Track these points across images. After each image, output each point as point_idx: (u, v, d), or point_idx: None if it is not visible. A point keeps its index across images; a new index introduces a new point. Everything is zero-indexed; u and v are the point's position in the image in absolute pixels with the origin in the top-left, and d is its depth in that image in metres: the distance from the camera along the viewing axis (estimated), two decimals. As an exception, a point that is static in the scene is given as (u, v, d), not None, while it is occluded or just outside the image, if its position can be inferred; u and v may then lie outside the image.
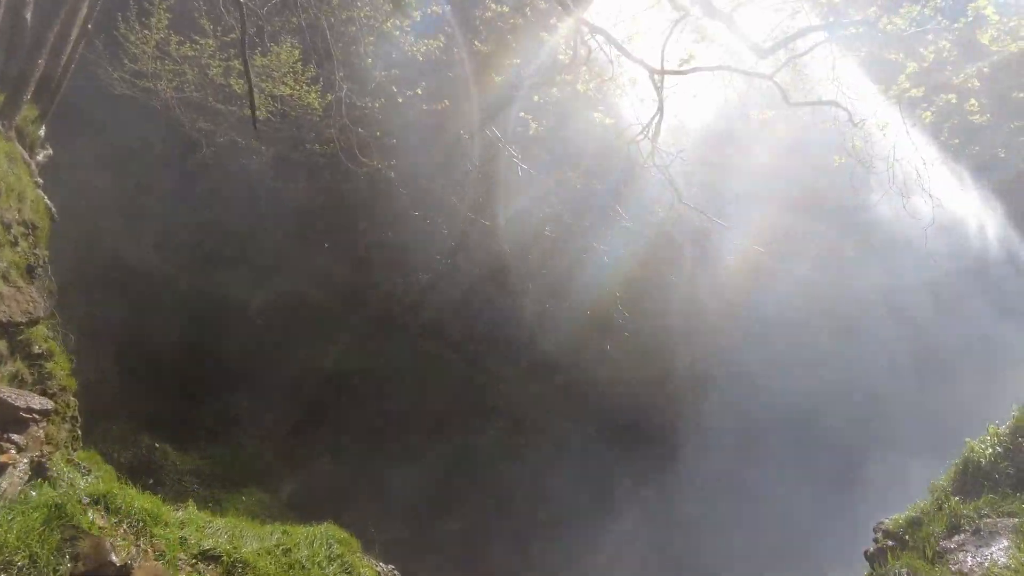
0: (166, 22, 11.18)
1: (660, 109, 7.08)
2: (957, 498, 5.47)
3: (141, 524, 4.54)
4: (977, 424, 6.40)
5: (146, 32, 11.13)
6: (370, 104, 11.76)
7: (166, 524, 4.78)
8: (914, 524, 6.06)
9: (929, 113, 11.62)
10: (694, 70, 7.27)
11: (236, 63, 12.24)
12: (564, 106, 9.50)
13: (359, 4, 9.77)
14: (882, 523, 6.78)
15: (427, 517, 16.47)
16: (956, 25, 9.89)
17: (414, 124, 10.92)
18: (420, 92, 11.35)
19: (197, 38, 11.78)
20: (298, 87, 11.91)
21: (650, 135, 7.18)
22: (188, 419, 15.39)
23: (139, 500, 4.83)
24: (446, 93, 10.08)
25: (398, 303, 16.08)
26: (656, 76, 6.96)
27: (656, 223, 10.25)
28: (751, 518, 15.83)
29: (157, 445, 14.58)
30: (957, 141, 14.10)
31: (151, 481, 13.32)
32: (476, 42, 10.29)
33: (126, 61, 11.64)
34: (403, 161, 11.56)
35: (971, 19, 9.69)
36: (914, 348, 18.07)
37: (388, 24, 9.90)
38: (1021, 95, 13.31)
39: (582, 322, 14.90)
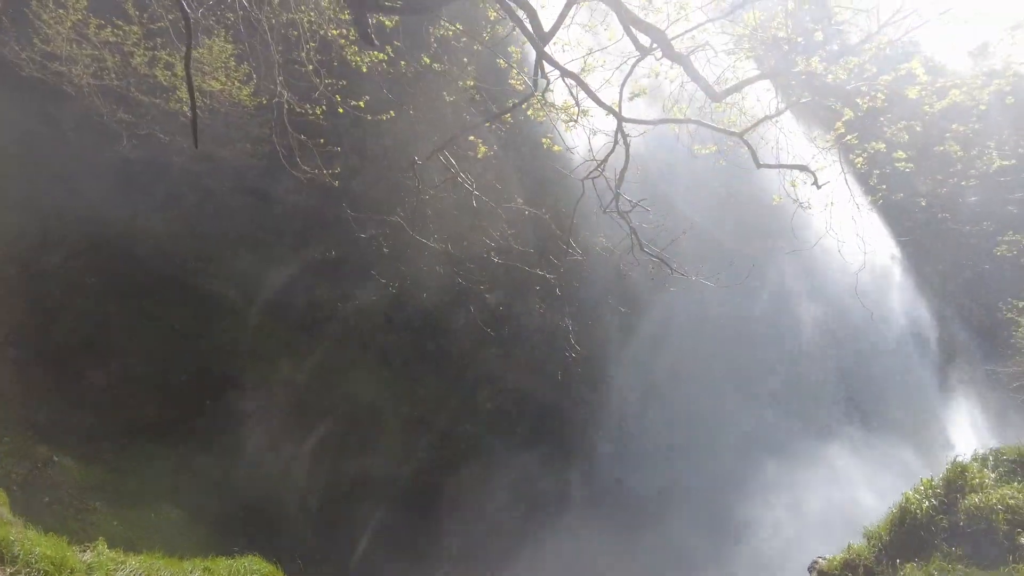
0: (85, 3, 10.23)
1: (627, 157, 7.00)
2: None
3: (43, 574, 4.04)
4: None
5: (61, 11, 10.15)
6: (310, 111, 11.17)
7: (72, 571, 4.26)
8: (850, 567, 6.18)
9: (861, 159, 12.26)
10: (663, 121, 7.24)
11: (163, 53, 11.39)
12: (519, 133, 9.32)
13: (303, 8, 9.24)
14: (818, 562, 6.90)
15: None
16: (886, 77, 10.38)
17: (361, 137, 10.48)
18: (363, 104, 10.88)
19: (120, 23, 10.87)
20: (230, 83, 11.20)
21: (612, 183, 7.09)
22: (91, 429, 14.19)
23: (41, 545, 4.27)
24: (395, 108, 9.71)
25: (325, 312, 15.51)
26: (625, 124, 6.87)
27: (612, 262, 10.24)
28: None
29: (56, 458, 13.31)
30: (884, 187, 14.98)
31: (47, 500, 12.19)
32: (427, 58, 9.91)
33: (37, 42, 10.59)
34: (349, 173, 11.08)
35: (903, 74, 10.20)
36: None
37: (334, 31, 9.40)
38: (941, 149, 14.22)
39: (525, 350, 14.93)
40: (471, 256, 10.59)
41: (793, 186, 9.85)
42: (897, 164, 12.26)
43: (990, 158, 16.53)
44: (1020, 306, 19.08)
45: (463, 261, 11.05)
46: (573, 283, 14.90)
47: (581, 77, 6.79)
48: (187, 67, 5.25)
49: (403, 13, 7.25)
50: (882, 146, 12.19)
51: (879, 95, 10.96)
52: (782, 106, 9.60)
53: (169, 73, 11.48)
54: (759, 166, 8.01)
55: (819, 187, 8.34)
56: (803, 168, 8.31)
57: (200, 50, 10.68)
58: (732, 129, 7.92)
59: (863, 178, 14.10)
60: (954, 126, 13.07)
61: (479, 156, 9.59)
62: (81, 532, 10.52)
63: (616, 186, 7.13)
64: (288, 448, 14.91)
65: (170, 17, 10.04)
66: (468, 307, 15.35)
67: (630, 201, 7.28)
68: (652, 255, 7.56)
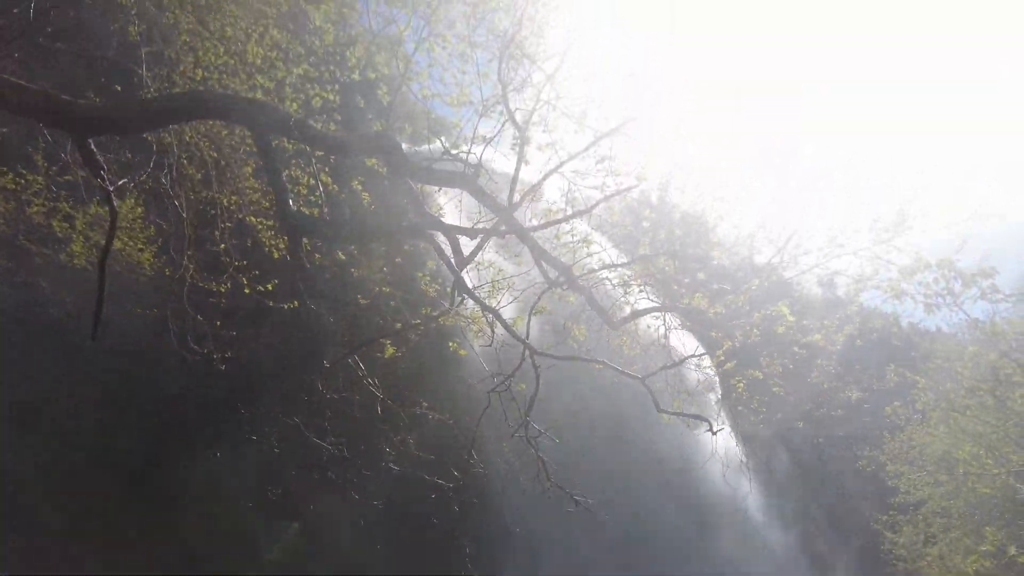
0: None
1: (536, 386, 7.27)
2: None
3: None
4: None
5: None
6: (215, 285, 10.97)
7: None
8: None
9: (741, 383, 13.39)
10: (571, 358, 7.72)
11: (64, 205, 11.02)
12: (428, 336, 9.55)
13: (226, 190, 9.57)
14: None
15: None
16: (760, 314, 11.74)
17: (268, 326, 10.30)
18: (271, 288, 10.88)
19: (24, 172, 10.61)
20: (132, 243, 10.89)
21: (522, 409, 7.25)
22: None
23: None
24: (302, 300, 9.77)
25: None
26: (536, 357, 7.25)
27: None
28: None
29: None
30: (764, 411, 16.28)
31: None
32: (342, 255, 10.27)
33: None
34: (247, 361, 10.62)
35: (771, 314, 11.58)
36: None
37: (252, 219, 9.71)
38: (812, 380, 15.84)
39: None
40: (367, 462, 10.01)
41: (688, 426, 10.42)
42: (774, 390, 13.48)
43: (850, 390, 18.62)
44: (883, 519, 20.26)
45: (358, 468, 10.40)
46: (472, 498, 14.20)
47: (494, 308, 7.22)
48: (102, 265, 5.09)
49: (337, 242, 7.67)
50: (759, 374, 13.45)
51: (754, 330, 12.27)
52: (670, 334, 10.58)
53: (67, 226, 11.06)
54: (659, 411, 8.50)
55: (714, 433, 8.88)
56: (700, 418, 8.91)
57: (104, 209, 10.48)
58: (634, 373, 8.49)
59: (745, 403, 15.29)
60: (819, 361, 14.77)
61: (387, 356, 9.59)
62: None
63: (525, 412, 7.26)
64: None
65: (81, 174, 9.89)
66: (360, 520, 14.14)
67: (538, 429, 7.38)
68: (561, 489, 7.50)
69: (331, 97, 9.07)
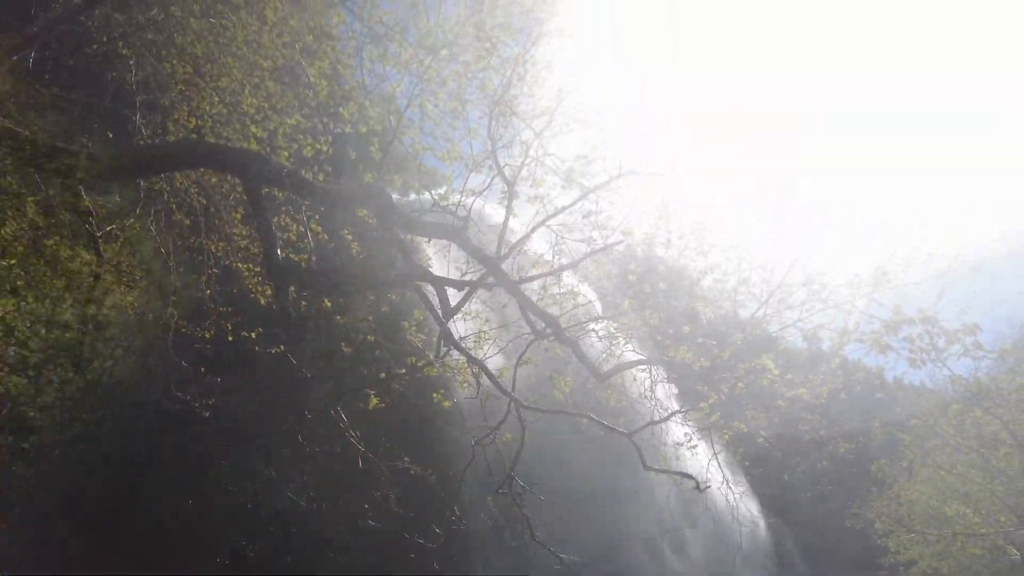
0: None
1: (522, 440, 7.19)
2: None
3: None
4: None
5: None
6: (200, 331, 10.84)
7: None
8: None
9: (727, 435, 13.30)
10: (558, 412, 7.67)
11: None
12: (412, 386, 9.42)
13: (214, 237, 9.59)
14: None
15: None
16: (745, 366, 11.75)
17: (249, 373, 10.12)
18: (255, 336, 10.77)
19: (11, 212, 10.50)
20: (117, 287, 10.75)
21: (507, 465, 7.14)
22: None
23: None
24: (288, 346, 9.68)
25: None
26: (522, 410, 7.20)
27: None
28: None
29: None
30: (748, 463, 16.17)
31: None
32: (328, 301, 10.20)
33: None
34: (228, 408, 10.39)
35: (756, 366, 11.59)
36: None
37: (239, 264, 9.69)
38: (796, 433, 15.75)
39: None
40: (344, 517, 9.69)
41: (676, 484, 10.28)
42: (759, 440, 13.40)
43: (837, 443, 18.53)
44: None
45: (336, 525, 10.06)
46: (452, 557, 13.74)
47: (480, 359, 7.19)
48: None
49: (324, 291, 7.66)
50: (743, 427, 13.37)
51: (739, 383, 12.25)
52: (655, 386, 10.54)
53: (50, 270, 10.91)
54: (646, 468, 8.42)
55: (701, 490, 8.77)
56: (686, 475, 8.82)
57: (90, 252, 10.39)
58: (620, 429, 8.44)
59: (732, 454, 15.17)
60: (804, 415, 14.71)
61: (370, 407, 9.43)
62: None
63: (510, 467, 7.14)
64: None
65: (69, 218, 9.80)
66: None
67: (523, 485, 7.24)
68: (542, 544, 7.30)
69: (323, 148, 9.21)
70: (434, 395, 10.08)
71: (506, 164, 7.33)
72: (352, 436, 7.23)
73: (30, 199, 8.91)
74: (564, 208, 7.64)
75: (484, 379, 8.55)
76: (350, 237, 9.78)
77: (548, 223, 7.70)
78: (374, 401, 9.31)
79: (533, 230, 7.52)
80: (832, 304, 10.28)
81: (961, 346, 8.33)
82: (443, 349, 7.50)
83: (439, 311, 7.00)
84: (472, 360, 7.07)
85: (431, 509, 8.94)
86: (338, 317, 9.34)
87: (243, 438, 13.21)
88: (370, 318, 9.99)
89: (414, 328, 9.87)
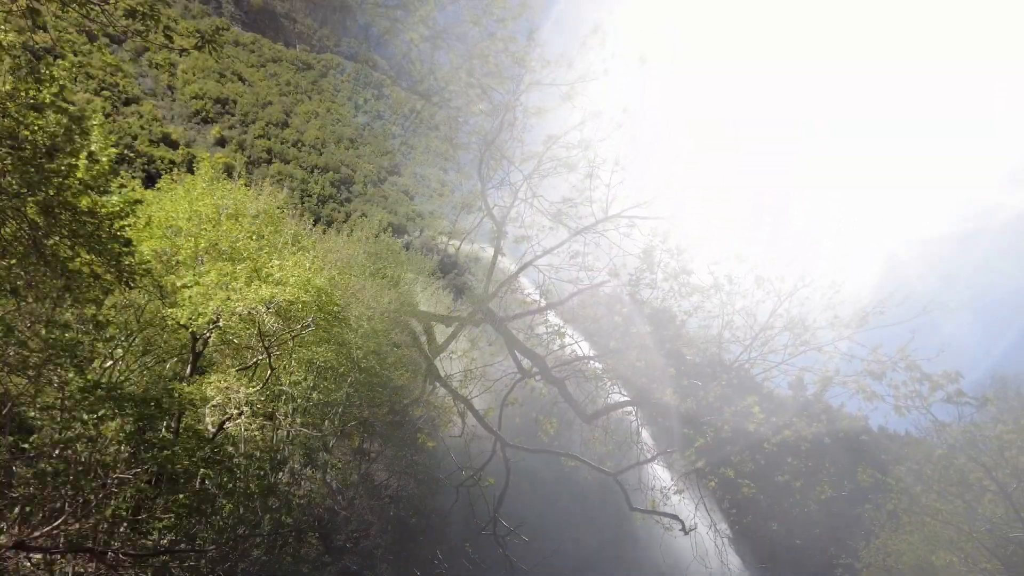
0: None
1: (507, 480, 7.11)
2: None
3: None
4: None
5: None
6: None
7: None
8: None
9: (713, 482, 13.12)
10: (544, 452, 7.63)
11: None
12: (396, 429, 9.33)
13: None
14: None
15: None
16: (731, 409, 11.72)
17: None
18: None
19: None
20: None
21: (492, 506, 7.04)
22: None
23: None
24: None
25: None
26: (507, 449, 7.15)
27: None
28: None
29: None
30: (735, 511, 15.95)
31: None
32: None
33: None
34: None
35: (741, 409, 11.57)
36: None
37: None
38: (784, 479, 15.59)
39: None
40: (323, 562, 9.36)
41: (662, 526, 10.17)
42: (744, 491, 13.25)
43: (823, 488, 18.35)
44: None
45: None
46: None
47: (466, 397, 7.18)
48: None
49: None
50: (731, 472, 13.25)
51: (725, 426, 12.24)
52: (641, 429, 10.48)
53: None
54: (632, 509, 8.35)
55: (686, 533, 8.69)
56: (672, 516, 8.75)
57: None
58: (606, 470, 8.41)
59: (718, 502, 14.95)
60: (789, 459, 14.64)
61: (352, 447, 9.29)
62: None
63: (494, 508, 7.03)
64: None
65: None
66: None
67: (508, 527, 7.12)
68: None
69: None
70: (418, 436, 9.97)
71: (495, 205, 7.47)
72: (336, 489, 7.09)
73: (30, 199, 8.84)
74: (551, 249, 7.76)
75: (469, 418, 8.49)
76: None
77: (536, 263, 7.80)
78: (355, 441, 9.20)
79: (521, 269, 7.62)
80: (814, 346, 10.38)
81: (944, 393, 8.44)
82: (428, 387, 7.47)
83: (426, 348, 7.00)
84: (457, 397, 7.05)
85: (412, 546, 8.69)
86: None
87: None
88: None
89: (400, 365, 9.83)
